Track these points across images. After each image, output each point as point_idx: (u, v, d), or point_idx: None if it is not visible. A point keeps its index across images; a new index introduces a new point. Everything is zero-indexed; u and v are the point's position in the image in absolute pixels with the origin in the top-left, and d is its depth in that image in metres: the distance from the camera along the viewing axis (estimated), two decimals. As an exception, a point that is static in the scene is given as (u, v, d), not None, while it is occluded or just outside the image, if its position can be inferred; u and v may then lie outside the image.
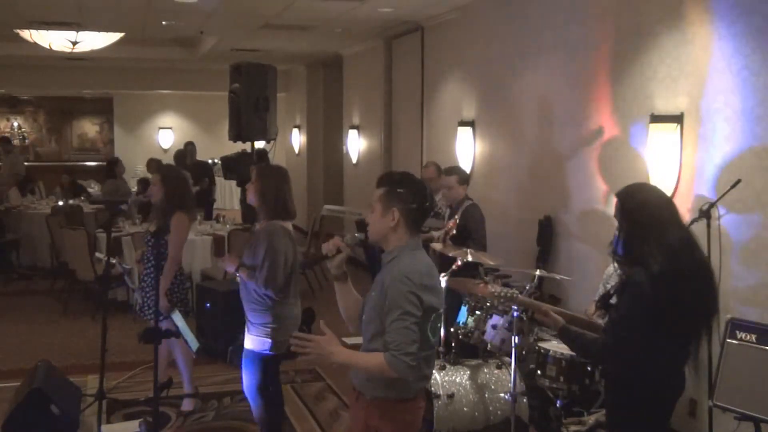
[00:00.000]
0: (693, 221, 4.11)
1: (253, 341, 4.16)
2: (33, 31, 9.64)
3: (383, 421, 2.78)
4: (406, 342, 2.63)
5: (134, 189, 11.47)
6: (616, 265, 4.41)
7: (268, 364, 4.17)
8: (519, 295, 3.81)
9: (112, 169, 11.23)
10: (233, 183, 13.42)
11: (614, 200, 3.21)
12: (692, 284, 3.00)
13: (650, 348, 3.01)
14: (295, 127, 15.19)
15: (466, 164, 7.82)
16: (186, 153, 11.43)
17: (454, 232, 5.61)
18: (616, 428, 3.28)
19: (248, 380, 4.19)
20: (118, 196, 10.13)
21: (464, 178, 6.10)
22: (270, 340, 4.12)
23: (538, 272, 4.87)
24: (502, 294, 3.79)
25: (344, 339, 3.24)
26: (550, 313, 3.34)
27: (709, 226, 4.16)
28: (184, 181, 5.28)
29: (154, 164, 10.81)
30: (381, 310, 2.71)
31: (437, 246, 5.54)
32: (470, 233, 5.75)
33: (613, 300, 3.27)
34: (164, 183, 5.07)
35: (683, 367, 3.17)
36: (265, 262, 4.04)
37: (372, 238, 2.87)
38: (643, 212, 3.04)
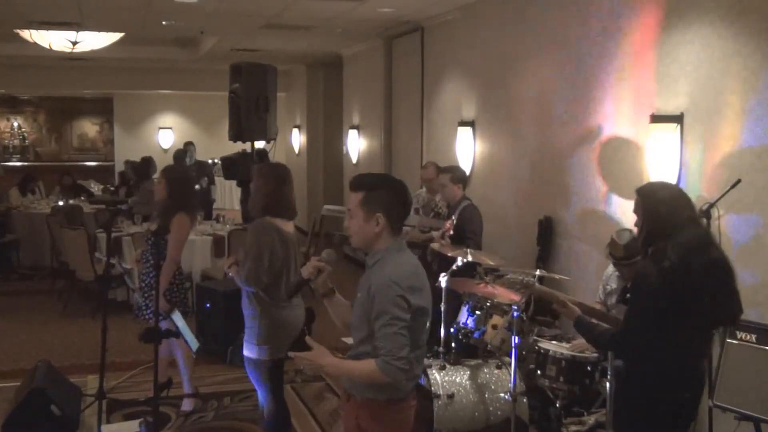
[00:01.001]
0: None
1: (248, 347, 4.09)
2: (33, 31, 9.64)
3: (374, 422, 2.77)
4: (397, 347, 2.61)
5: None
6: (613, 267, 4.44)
7: (269, 369, 4.11)
8: (537, 284, 3.83)
9: (146, 169, 10.40)
10: (233, 183, 13.44)
11: (635, 196, 3.31)
12: (704, 282, 3.01)
13: (659, 342, 3.04)
14: (295, 127, 15.19)
15: (466, 164, 7.82)
16: (185, 153, 11.43)
17: (452, 232, 5.61)
18: (623, 423, 3.29)
19: (261, 387, 4.13)
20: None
21: (458, 177, 6.09)
22: (265, 346, 4.03)
23: (538, 272, 4.87)
24: (520, 281, 3.82)
25: (343, 339, 3.25)
26: (567, 304, 3.39)
27: (709, 226, 4.16)
28: (187, 181, 5.27)
29: (129, 166, 10.81)
30: (368, 314, 2.69)
31: (436, 246, 5.55)
32: (466, 233, 5.75)
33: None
34: (168, 183, 5.06)
35: (697, 365, 3.17)
36: (247, 258, 3.96)
37: (356, 245, 2.84)
38: (662, 209, 3.13)
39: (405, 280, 2.68)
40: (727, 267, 3.15)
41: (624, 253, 4.45)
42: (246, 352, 4.10)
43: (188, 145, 11.61)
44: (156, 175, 10.18)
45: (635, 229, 3.41)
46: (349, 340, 2.92)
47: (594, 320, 3.36)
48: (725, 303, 3.15)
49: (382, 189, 2.77)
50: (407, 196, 2.84)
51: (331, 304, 2.97)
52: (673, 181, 4.90)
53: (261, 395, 4.17)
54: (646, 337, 3.04)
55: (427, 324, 2.79)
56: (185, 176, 5.29)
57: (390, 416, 2.78)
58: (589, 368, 4.47)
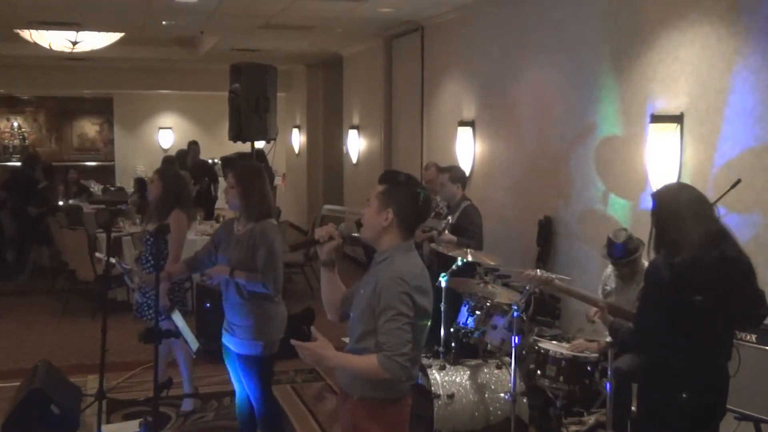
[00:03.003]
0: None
1: (243, 345, 4.07)
2: (33, 31, 9.63)
3: (371, 421, 2.77)
4: (400, 343, 2.63)
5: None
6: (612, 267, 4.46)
7: (265, 364, 4.13)
8: (582, 290, 3.91)
9: (175, 164, 10.44)
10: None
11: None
12: (717, 278, 3.03)
13: (679, 339, 3.07)
14: (295, 127, 15.18)
15: (465, 164, 7.82)
16: (188, 152, 11.41)
17: (447, 232, 5.61)
18: (644, 419, 3.30)
19: (254, 384, 4.12)
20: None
21: (457, 177, 6.10)
22: (261, 342, 4.03)
23: (537, 272, 4.86)
24: (572, 289, 3.91)
25: (343, 339, 3.24)
26: (605, 311, 3.53)
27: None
28: (181, 179, 5.29)
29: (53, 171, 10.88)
30: (372, 310, 2.71)
31: (436, 246, 5.55)
32: (467, 233, 5.75)
33: None
34: (162, 181, 5.07)
35: (718, 361, 3.17)
36: (269, 262, 3.98)
37: (364, 234, 2.86)
38: (666, 207, 3.19)
39: (413, 280, 2.70)
40: (744, 264, 3.14)
41: (621, 252, 4.47)
42: (240, 350, 4.08)
43: (192, 144, 11.57)
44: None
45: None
46: (348, 340, 2.92)
47: (622, 321, 3.45)
48: (745, 301, 3.14)
49: (402, 188, 2.80)
50: (424, 202, 2.83)
51: (327, 276, 2.98)
52: (672, 181, 4.90)
53: (252, 391, 4.16)
54: (662, 333, 3.07)
55: (427, 327, 2.80)
56: (178, 174, 5.34)
57: (387, 415, 2.79)
58: (589, 368, 4.47)
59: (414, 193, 2.80)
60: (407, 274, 2.70)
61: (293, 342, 2.78)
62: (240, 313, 4.07)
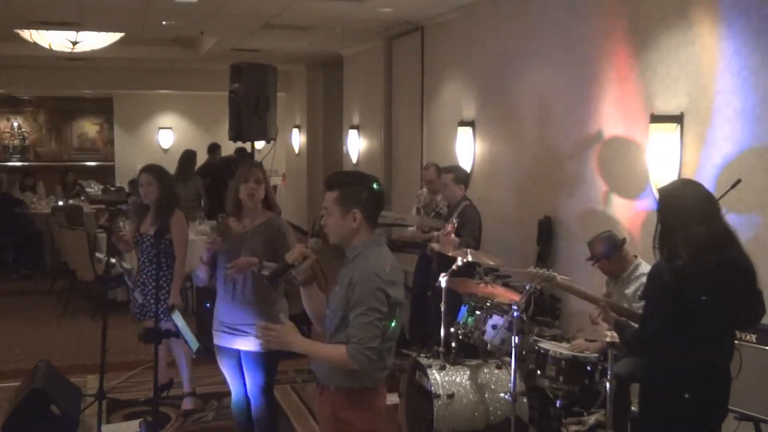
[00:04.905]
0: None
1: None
2: (33, 31, 9.63)
3: (350, 411, 2.83)
4: (369, 337, 2.70)
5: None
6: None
7: (276, 359, 4.15)
8: (585, 289, 3.94)
9: (191, 164, 9.98)
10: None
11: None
12: (719, 280, 3.02)
13: (680, 340, 3.07)
14: (295, 127, 15.18)
15: (465, 164, 7.81)
16: (213, 154, 11.30)
17: (453, 236, 5.61)
18: (645, 420, 3.30)
19: (260, 380, 4.13)
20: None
21: (461, 177, 6.10)
22: None
23: (540, 270, 4.86)
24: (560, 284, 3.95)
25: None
26: (608, 309, 3.55)
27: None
28: (175, 181, 5.35)
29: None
30: (346, 304, 2.77)
31: (437, 246, 5.55)
32: (466, 234, 5.75)
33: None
34: (159, 183, 5.07)
35: (720, 362, 3.17)
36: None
37: (333, 240, 2.90)
38: (671, 207, 3.15)
39: (386, 274, 2.77)
40: (745, 266, 3.12)
41: (590, 254, 4.57)
42: (257, 348, 4.04)
43: (216, 147, 11.44)
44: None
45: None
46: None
47: (627, 321, 3.46)
48: (745, 302, 3.14)
49: (357, 186, 2.88)
50: (381, 190, 2.92)
51: (308, 293, 3.01)
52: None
53: (260, 387, 4.15)
54: (665, 335, 3.06)
55: (401, 317, 2.87)
56: (171, 176, 5.42)
57: (365, 404, 2.86)
58: (589, 368, 4.47)
59: (370, 188, 2.88)
60: (381, 269, 2.77)
61: (258, 323, 2.86)
62: (264, 309, 4.10)
